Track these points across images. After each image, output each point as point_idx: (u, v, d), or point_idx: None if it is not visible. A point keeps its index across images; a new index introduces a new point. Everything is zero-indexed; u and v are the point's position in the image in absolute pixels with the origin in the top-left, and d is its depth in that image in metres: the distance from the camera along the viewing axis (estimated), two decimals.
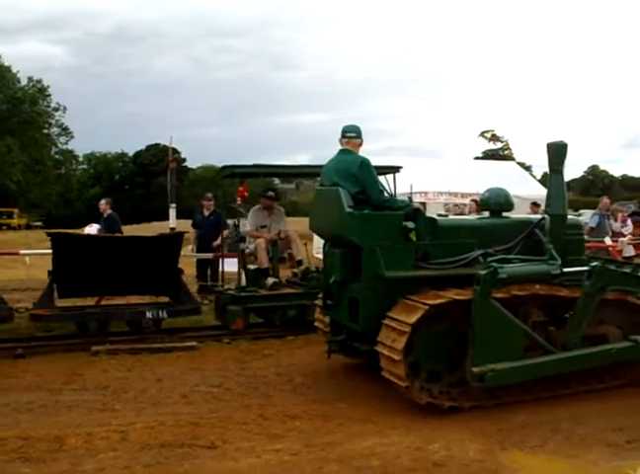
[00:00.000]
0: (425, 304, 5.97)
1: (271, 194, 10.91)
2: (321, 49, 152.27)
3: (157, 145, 65.83)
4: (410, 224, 6.60)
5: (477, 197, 11.27)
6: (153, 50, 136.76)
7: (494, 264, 6.05)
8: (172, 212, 10.81)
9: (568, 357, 6.40)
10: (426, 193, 19.45)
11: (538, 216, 7.52)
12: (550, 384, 6.50)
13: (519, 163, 37.84)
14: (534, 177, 36.00)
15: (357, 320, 6.57)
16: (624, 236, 14.73)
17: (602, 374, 6.79)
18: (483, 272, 5.95)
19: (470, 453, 5.21)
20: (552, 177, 7.37)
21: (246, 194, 10.53)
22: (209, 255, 12.08)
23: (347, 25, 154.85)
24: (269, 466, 5.02)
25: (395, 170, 10.78)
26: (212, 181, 64.84)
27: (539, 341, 6.32)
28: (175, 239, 9.70)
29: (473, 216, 9.21)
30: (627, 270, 8.04)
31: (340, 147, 7.14)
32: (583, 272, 6.54)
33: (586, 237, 14.47)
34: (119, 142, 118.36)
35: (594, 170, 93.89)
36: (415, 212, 6.89)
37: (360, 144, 7.16)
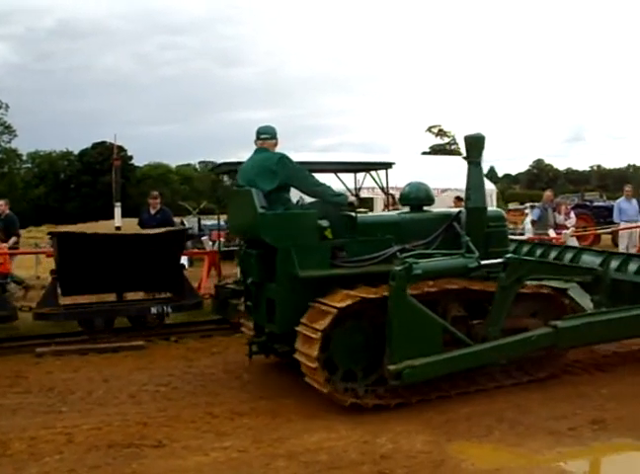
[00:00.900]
0: (333, 308, 5.91)
1: None
2: (268, 46, 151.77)
3: (103, 143, 64.94)
4: (324, 222, 6.51)
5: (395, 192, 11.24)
6: (98, 47, 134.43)
7: (409, 259, 6.01)
8: (117, 211, 10.65)
9: (486, 349, 6.36)
10: (373, 188, 19.48)
11: (457, 209, 7.55)
12: (494, 375, 6.62)
13: (465, 157, 38.24)
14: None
15: (274, 321, 6.51)
16: (568, 228, 15.03)
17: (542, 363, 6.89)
18: (398, 268, 5.91)
19: (417, 445, 5.27)
20: (470, 170, 7.32)
21: None
22: None
23: (293, 21, 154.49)
24: (216, 463, 5.02)
25: (387, 166, 10.81)
26: (160, 178, 64.51)
27: (457, 335, 6.28)
28: (177, 236, 9.87)
29: (393, 212, 9.13)
30: (554, 252, 8.19)
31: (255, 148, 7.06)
32: (500, 264, 6.49)
33: (531, 229, 14.85)
34: (63, 140, 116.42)
35: (539, 164, 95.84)
36: (349, 205, 6.87)
37: (276, 145, 7.05)
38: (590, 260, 8.03)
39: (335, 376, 6.03)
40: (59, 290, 9.28)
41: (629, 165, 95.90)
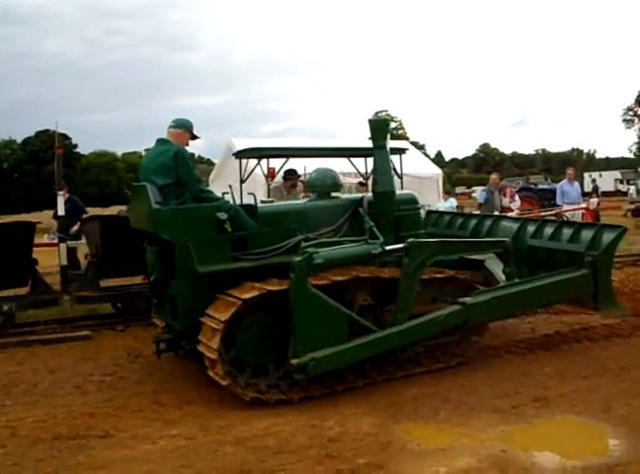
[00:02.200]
0: (238, 299, 5.81)
1: (297, 174, 10.97)
2: (217, 30, 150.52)
3: (47, 131, 63.49)
4: (222, 215, 6.32)
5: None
6: (42, 32, 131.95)
7: (309, 249, 5.88)
8: (60, 200, 10.44)
9: (392, 333, 6.21)
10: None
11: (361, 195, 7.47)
12: (439, 357, 6.71)
13: (412, 142, 38.53)
14: (428, 155, 36.80)
15: (177, 318, 6.40)
16: (513, 211, 15.29)
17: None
18: (298, 258, 5.80)
19: (364, 427, 5.32)
20: (376, 154, 7.23)
21: (275, 174, 11.62)
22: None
23: (242, 6, 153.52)
24: (164, 451, 5.00)
25: (401, 151, 10.82)
26: (105, 167, 63.51)
27: (363, 323, 6.16)
28: None
29: (303, 200, 8.98)
30: (474, 221, 8.23)
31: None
32: (403, 249, 6.33)
33: (478, 212, 15.04)
34: (6, 129, 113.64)
35: (485, 148, 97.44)
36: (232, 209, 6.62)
37: (182, 137, 6.84)
38: (508, 227, 8.02)
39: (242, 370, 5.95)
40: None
41: (573, 148, 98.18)
